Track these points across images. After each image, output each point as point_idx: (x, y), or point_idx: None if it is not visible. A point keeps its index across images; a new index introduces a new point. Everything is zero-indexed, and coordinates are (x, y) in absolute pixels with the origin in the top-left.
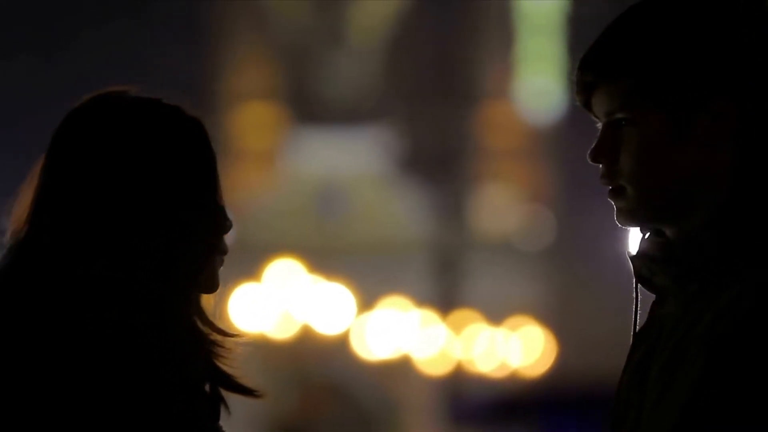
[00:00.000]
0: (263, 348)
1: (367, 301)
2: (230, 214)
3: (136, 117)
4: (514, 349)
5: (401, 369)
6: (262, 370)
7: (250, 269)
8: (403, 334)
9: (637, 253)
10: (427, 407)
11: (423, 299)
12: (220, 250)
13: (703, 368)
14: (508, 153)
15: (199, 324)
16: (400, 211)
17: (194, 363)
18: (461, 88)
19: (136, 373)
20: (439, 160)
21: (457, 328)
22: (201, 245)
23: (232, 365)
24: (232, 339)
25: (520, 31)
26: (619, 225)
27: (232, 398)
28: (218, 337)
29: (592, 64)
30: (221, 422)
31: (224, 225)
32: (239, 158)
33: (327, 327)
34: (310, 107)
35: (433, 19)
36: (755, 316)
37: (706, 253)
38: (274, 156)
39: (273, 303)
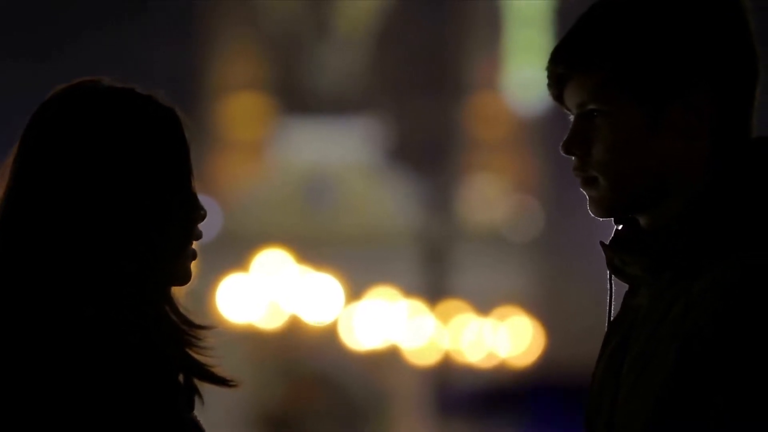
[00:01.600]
0: (251, 339)
1: (355, 292)
2: (204, 204)
3: (108, 106)
4: (502, 339)
5: (389, 359)
6: (250, 361)
7: (238, 260)
8: (391, 324)
9: (610, 242)
10: (415, 397)
11: (411, 290)
12: (195, 236)
13: (674, 363)
14: (496, 144)
15: (171, 315)
16: (388, 201)
17: (168, 354)
18: (449, 79)
19: (111, 365)
20: (427, 151)
21: (445, 319)
22: (175, 233)
23: (205, 355)
24: (204, 330)
25: (508, 22)
26: (593, 215)
27: (218, 390)
28: (190, 328)
29: (564, 57)
30: (198, 413)
31: (198, 213)
32: (228, 149)
33: (315, 317)
34: (298, 98)
35: (421, 10)
36: (725, 311)
37: (677, 244)
38: (262, 147)
39: (261, 293)
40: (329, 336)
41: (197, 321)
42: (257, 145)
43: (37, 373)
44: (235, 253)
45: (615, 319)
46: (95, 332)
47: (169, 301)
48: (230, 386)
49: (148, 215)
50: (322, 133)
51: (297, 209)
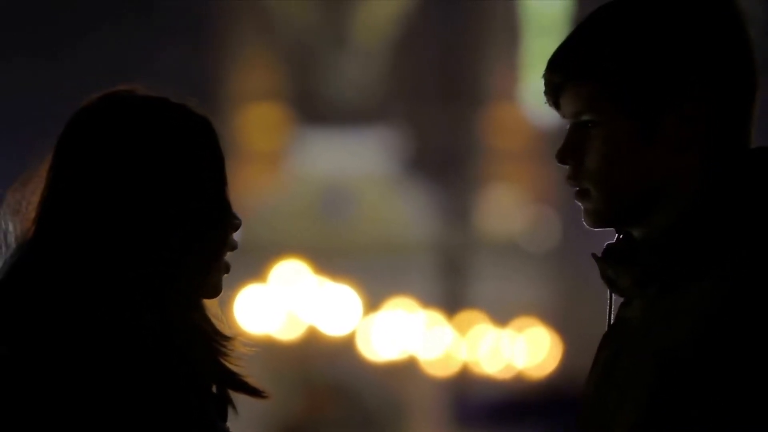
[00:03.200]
0: (269, 349)
1: (372, 302)
2: (237, 213)
3: (144, 116)
4: (520, 350)
5: (407, 370)
6: (268, 372)
7: (256, 270)
8: (408, 335)
9: (602, 254)
10: (433, 408)
11: (429, 300)
12: (229, 246)
13: (653, 378)
14: (513, 154)
15: (203, 324)
16: (405, 212)
17: (202, 363)
18: (467, 89)
19: (145, 375)
20: (444, 161)
21: (462, 330)
22: (209, 243)
23: (238, 365)
24: (234, 340)
25: (526, 32)
26: (587, 226)
27: (237, 399)
28: (222, 338)
29: (560, 65)
30: (228, 423)
31: (233, 222)
32: (245, 159)
33: (333, 328)
34: (315, 108)
35: (438, 20)
36: (704, 328)
37: (664, 257)
38: (279, 157)
39: (279, 304)
40: (347, 346)
41: (227, 331)
42: (274, 155)
43: (70, 379)
44: (253, 263)
45: (608, 330)
46: (128, 338)
47: (200, 310)
48: (262, 397)
49: (181, 224)
50: (340, 143)
51: (314, 219)
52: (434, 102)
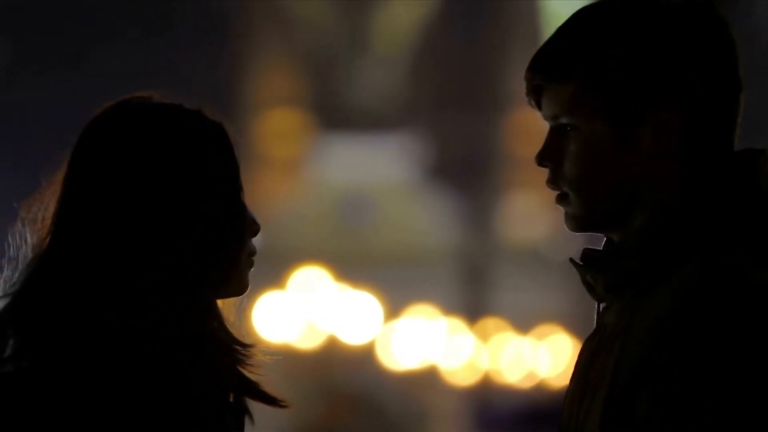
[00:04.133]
0: (288, 358)
1: (393, 310)
2: (257, 218)
3: (157, 122)
4: (542, 358)
5: (428, 379)
6: (287, 380)
7: (275, 277)
8: (429, 343)
9: (581, 259)
10: (454, 417)
11: (450, 308)
12: (248, 252)
13: (608, 387)
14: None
15: (219, 332)
16: (426, 218)
17: (218, 371)
18: (489, 95)
19: (162, 384)
20: (466, 168)
21: (484, 337)
22: (229, 249)
23: (257, 373)
24: (252, 348)
25: (548, 37)
26: (569, 230)
27: (256, 408)
28: (239, 346)
29: (540, 66)
30: None
31: (251, 227)
32: (264, 165)
33: (353, 336)
34: (335, 114)
35: (460, 25)
36: (656, 333)
37: (637, 261)
38: (299, 163)
39: (298, 311)
40: (367, 355)
41: (245, 339)
42: (295, 161)
43: (86, 389)
44: (272, 270)
45: (589, 336)
46: (145, 347)
47: (218, 317)
48: (281, 406)
49: (193, 229)
50: (360, 149)
51: (334, 226)
52: (456, 108)
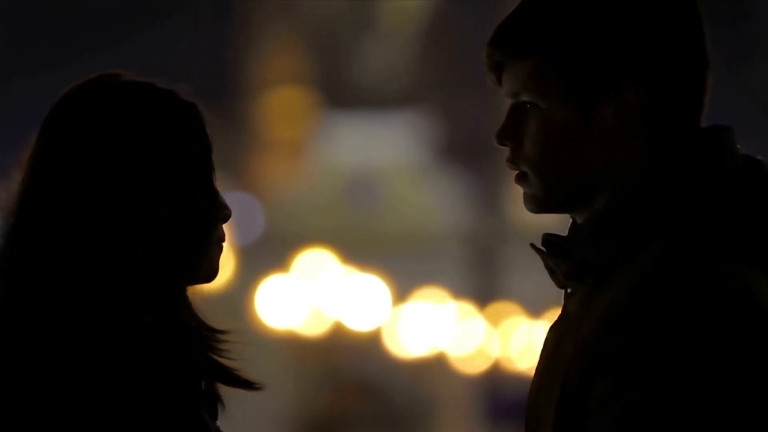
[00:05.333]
0: (293, 344)
1: (401, 293)
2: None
3: (127, 101)
4: None
5: (436, 364)
6: (292, 367)
7: (280, 261)
8: (438, 328)
9: (542, 244)
10: (463, 405)
11: (460, 291)
12: (217, 238)
13: (563, 377)
14: None
15: (189, 319)
16: (436, 200)
17: (192, 359)
18: None
19: (132, 374)
20: (476, 147)
21: (495, 321)
22: (198, 233)
23: (228, 358)
24: (224, 333)
25: None
26: (528, 211)
27: (261, 398)
28: (210, 332)
29: (500, 42)
30: (253, 420)
31: (221, 212)
32: (268, 146)
33: (360, 322)
34: (342, 93)
35: (470, 2)
36: (608, 320)
37: (593, 248)
38: (304, 143)
39: (303, 296)
40: (374, 341)
41: (215, 325)
42: (299, 141)
43: (54, 378)
44: (277, 253)
45: (553, 324)
46: (112, 335)
47: (187, 305)
48: (255, 389)
49: (165, 209)
50: (367, 128)
51: (341, 207)
52: (466, 86)
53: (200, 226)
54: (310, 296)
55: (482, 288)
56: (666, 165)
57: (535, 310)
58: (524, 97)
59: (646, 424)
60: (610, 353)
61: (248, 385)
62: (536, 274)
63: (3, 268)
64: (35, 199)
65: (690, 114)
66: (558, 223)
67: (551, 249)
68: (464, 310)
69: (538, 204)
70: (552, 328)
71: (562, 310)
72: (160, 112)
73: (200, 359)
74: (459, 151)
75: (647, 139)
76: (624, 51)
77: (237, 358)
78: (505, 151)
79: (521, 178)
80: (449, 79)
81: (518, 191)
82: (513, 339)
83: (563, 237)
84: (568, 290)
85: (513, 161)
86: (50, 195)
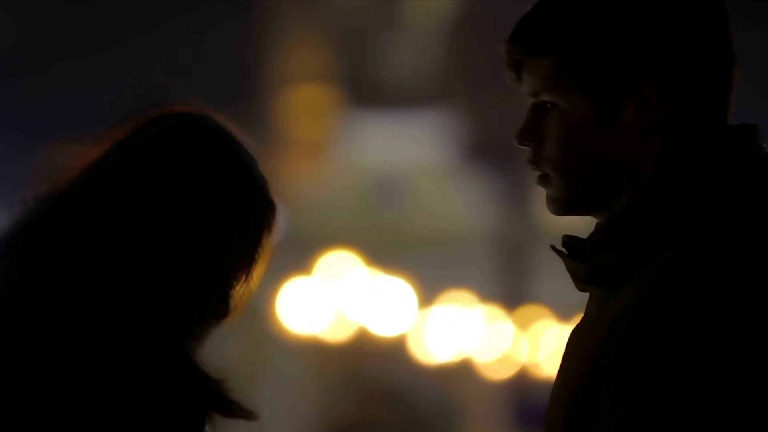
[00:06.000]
0: (316, 350)
1: (427, 297)
2: (230, 306)
3: (214, 157)
4: None
5: (463, 371)
6: (315, 375)
7: (301, 262)
8: (465, 332)
9: (561, 246)
10: (490, 412)
11: (488, 295)
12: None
13: (574, 380)
14: None
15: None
16: (463, 200)
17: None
18: None
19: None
20: (505, 146)
21: (523, 325)
22: (211, 315)
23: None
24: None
25: None
26: (551, 213)
27: (285, 399)
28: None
29: (519, 39)
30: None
31: (219, 309)
32: (291, 145)
33: (385, 327)
34: (367, 90)
35: None
36: (620, 323)
37: (605, 252)
38: (327, 142)
39: (326, 299)
40: (399, 347)
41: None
42: (322, 140)
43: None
44: (299, 255)
45: (575, 327)
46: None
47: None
48: (252, 418)
49: (201, 275)
50: (393, 127)
51: (366, 208)
52: (495, 83)
53: (216, 311)
54: (333, 299)
55: (510, 291)
56: (684, 166)
57: (564, 313)
58: (544, 96)
59: (653, 427)
60: (617, 357)
61: (247, 415)
62: (566, 276)
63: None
64: (90, 203)
65: (713, 111)
66: (586, 225)
67: (572, 251)
68: (492, 314)
69: (561, 206)
70: (573, 332)
71: (584, 315)
72: (239, 185)
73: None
74: (487, 150)
75: (668, 138)
76: (646, 46)
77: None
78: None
79: (543, 180)
80: (477, 76)
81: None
82: (542, 343)
83: (582, 239)
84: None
85: (534, 162)
86: (107, 208)
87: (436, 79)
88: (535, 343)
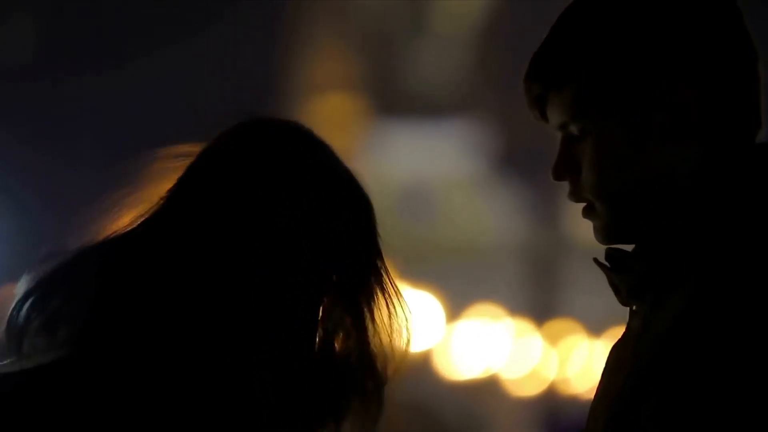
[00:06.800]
0: None
1: (455, 310)
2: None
3: (316, 181)
4: None
5: (490, 387)
6: None
7: None
8: (493, 346)
9: (605, 259)
10: (519, 430)
11: (517, 308)
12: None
13: (616, 399)
14: None
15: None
16: (492, 212)
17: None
18: None
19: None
20: (535, 157)
21: (553, 340)
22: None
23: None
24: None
25: None
26: (600, 244)
27: None
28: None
29: (537, 74)
30: None
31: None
32: None
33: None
34: (393, 99)
35: (527, 2)
36: (664, 339)
37: (653, 262)
38: (353, 152)
39: None
40: (425, 362)
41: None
42: (348, 150)
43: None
44: None
45: (616, 342)
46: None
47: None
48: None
49: (299, 296)
50: (420, 136)
51: (392, 221)
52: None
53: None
54: None
55: (540, 305)
56: (721, 175)
57: (595, 328)
58: (573, 126)
59: None
60: (666, 371)
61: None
62: (597, 290)
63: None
64: (174, 225)
65: (746, 116)
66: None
67: (615, 265)
68: (521, 328)
69: (610, 233)
70: (614, 348)
71: (626, 329)
72: (340, 198)
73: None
74: (516, 161)
75: (702, 145)
76: (666, 50)
77: None
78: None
79: (588, 211)
80: (506, 84)
81: (577, 204)
82: (572, 359)
83: (627, 252)
84: (633, 308)
85: (575, 195)
86: (191, 230)
87: (465, 87)
88: (565, 359)
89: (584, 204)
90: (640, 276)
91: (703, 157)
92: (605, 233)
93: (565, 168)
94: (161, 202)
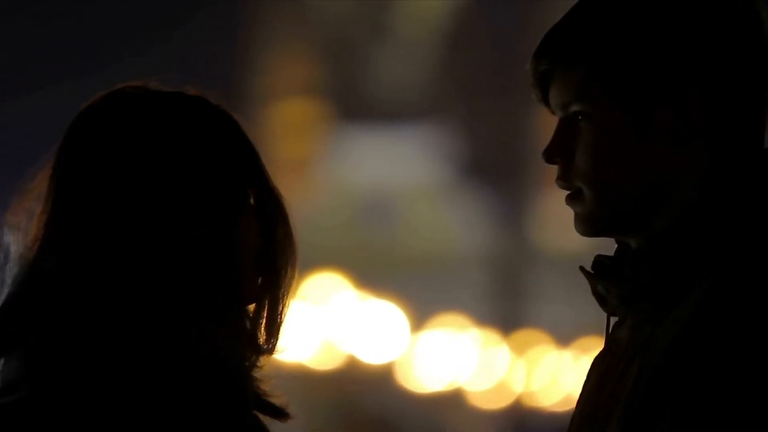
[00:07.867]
0: (302, 379)
1: (419, 321)
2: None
3: (157, 112)
4: (584, 374)
5: (456, 400)
6: (301, 404)
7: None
8: (459, 357)
9: (592, 267)
10: None
11: (483, 318)
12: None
13: (624, 412)
14: None
15: (231, 344)
16: (457, 220)
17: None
18: (526, 83)
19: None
20: (501, 164)
21: (520, 350)
22: (246, 254)
23: (263, 384)
24: (266, 355)
25: None
26: (580, 234)
27: (270, 429)
28: (254, 357)
29: (547, 51)
30: None
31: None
32: (276, 161)
33: (375, 354)
34: (355, 105)
35: (493, 6)
36: (674, 351)
37: (651, 269)
38: (314, 158)
39: (313, 324)
40: (389, 374)
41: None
42: (309, 156)
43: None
44: None
45: (598, 354)
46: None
47: (235, 325)
48: (284, 418)
49: (209, 234)
50: (382, 143)
51: (354, 229)
52: (491, 98)
53: (250, 244)
54: (320, 324)
55: (506, 315)
56: (732, 182)
57: (563, 338)
58: (575, 107)
59: None
60: (681, 384)
61: (279, 412)
62: (565, 299)
63: (30, 300)
64: (61, 223)
65: (754, 122)
66: (589, 248)
67: (600, 272)
68: (487, 339)
69: (592, 224)
70: (597, 359)
71: (609, 340)
72: (194, 123)
73: (242, 383)
74: (482, 167)
75: (707, 149)
76: (680, 48)
77: (268, 382)
78: (533, 168)
79: (573, 198)
80: (473, 90)
81: (545, 211)
82: (539, 370)
83: (616, 259)
84: (613, 319)
85: (564, 179)
86: (77, 218)
87: (429, 92)
88: (532, 370)
89: (568, 190)
90: (639, 283)
91: (708, 163)
92: (588, 222)
93: (559, 151)
94: (49, 194)
